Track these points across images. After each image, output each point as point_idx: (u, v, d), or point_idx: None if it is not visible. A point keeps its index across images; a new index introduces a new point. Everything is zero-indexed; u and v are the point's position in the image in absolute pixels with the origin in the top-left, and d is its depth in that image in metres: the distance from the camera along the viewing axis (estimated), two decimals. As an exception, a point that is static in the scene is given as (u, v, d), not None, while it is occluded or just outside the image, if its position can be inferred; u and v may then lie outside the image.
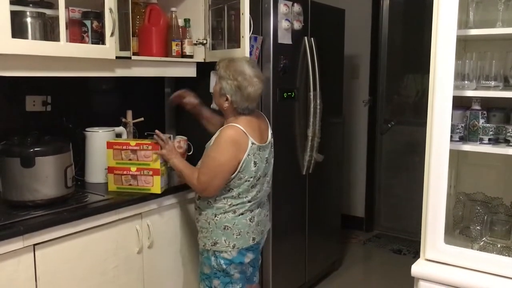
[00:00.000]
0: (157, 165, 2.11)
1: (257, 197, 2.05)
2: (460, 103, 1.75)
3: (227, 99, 1.98)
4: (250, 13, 2.32)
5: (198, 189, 2.02)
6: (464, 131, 1.73)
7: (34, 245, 1.73)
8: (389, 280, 3.47)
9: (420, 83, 4.30)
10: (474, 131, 1.71)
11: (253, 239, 2.06)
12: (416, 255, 3.87)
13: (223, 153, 1.92)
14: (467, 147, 1.71)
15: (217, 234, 2.01)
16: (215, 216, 2.02)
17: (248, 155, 1.95)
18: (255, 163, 1.98)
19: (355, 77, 4.25)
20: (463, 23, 1.75)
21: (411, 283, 1.74)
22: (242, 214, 2.02)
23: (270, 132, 2.14)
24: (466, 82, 1.69)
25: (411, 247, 4.02)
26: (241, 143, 1.93)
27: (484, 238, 1.73)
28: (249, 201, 2.02)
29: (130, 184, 2.14)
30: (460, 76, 1.71)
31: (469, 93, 1.69)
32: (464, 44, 1.87)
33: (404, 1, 4.29)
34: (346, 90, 3.57)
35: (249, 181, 1.98)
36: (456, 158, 1.86)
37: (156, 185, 2.12)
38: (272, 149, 2.15)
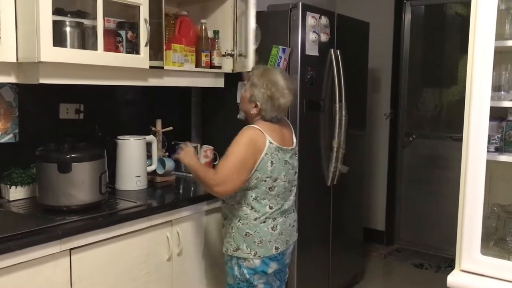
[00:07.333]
0: None
1: (279, 206, 2.05)
2: (495, 114, 1.75)
3: (256, 106, 2.01)
4: (279, 25, 2.36)
5: (215, 183, 1.95)
6: (500, 142, 1.73)
7: (71, 249, 1.75)
8: (412, 294, 3.45)
9: (438, 97, 4.30)
10: (510, 141, 1.71)
11: (276, 248, 2.04)
12: (438, 269, 3.82)
13: (242, 150, 1.94)
14: (504, 157, 1.70)
15: (239, 240, 2.02)
16: (238, 221, 2.04)
17: (266, 154, 1.97)
18: (272, 162, 1.99)
19: (376, 90, 4.26)
20: (497, 35, 1.76)
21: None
22: (264, 222, 2.01)
23: (294, 139, 2.16)
24: (502, 93, 1.70)
25: (433, 262, 3.97)
26: (259, 142, 1.96)
27: (522, 250, 1.71)
28: (270, 208, 2.02)
29: None
30: (496, 87, 1.72)
31: (506, 103, 1.69)
32: (498, 56, 1.87)
33: (425, 15, 4.31)
34: (368, 102, 3.57)
35: (265, 181, 1.99)
36: (489, 169, 1.85)
37: None
38: (296, 157, 2.16)
